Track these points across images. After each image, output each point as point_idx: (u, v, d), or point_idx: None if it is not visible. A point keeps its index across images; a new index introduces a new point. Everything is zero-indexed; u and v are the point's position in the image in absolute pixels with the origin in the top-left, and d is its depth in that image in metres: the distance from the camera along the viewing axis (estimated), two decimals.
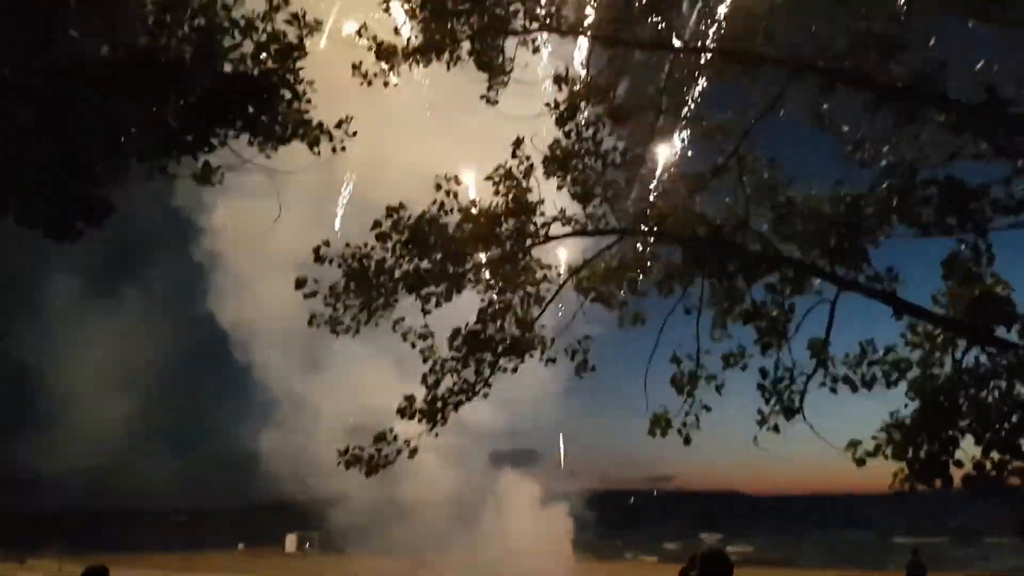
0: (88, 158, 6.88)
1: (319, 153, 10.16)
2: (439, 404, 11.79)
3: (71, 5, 6.80)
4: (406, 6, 11.31)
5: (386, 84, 11.89)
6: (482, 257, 12.38)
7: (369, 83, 11.80)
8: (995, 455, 9.87)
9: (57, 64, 6.72)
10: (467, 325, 12.14)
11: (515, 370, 12.32)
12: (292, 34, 9.36)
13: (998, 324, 10.52)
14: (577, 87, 12.00)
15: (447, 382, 12.00)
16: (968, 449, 10.29)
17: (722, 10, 11.81)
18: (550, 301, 12.65)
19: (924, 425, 10.49)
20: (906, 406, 10.87)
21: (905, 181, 11.02)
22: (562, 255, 13.48)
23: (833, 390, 11.26)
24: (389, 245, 11.90)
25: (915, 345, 10.95)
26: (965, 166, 11.17)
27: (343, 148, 10.12)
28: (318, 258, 11.75)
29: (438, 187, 12.17)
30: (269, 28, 9.29)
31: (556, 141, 12.41)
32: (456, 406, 11.92)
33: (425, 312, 12.12)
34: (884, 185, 11.23)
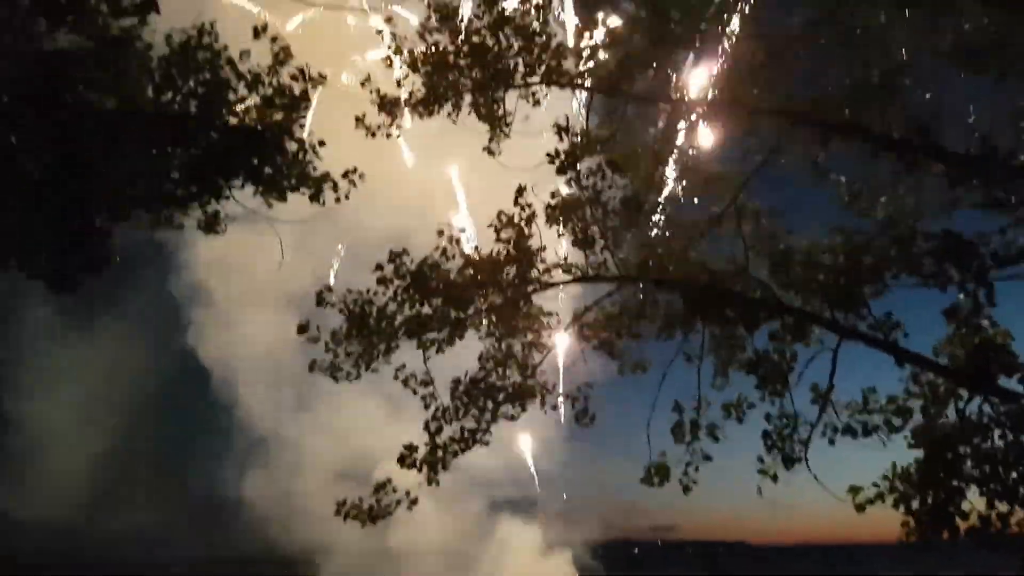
0: (93, 210, 6.99)
1: (323, 203, 10.29)
2: (440, 452, 11.73)
3: (80, 60, 6.95)
4: (408, 60, 11.53)
5: (388, 136, 12.07)
6: (483, 303, 12.42)
7: (372, 135, 11.98)
8: (1000, 507, 9.79)
9: (66, 118, 6.86)
10: (468, 372, 12.14)
11: (515, 417, 12.28)
12: (297, 88, 9.57)
13: (1000, 373, 10.51)
14: (577, 137, 12.16)
15: (448, 430, 11.95)
16: (973, 500, 10.21)
17: (719, 62, 12.04)
18: (551, 348, 12.66)
19: (927, 475, 10.42)
20: (909, 456, 10.82)
21: (904, 231, 11.10)
22: (563, 302, 13.54)
23: (831, 442, 11.21)
24: (391, 290, 11.95)
25: (917, 397, 10.92)
26: (964, 216, 11.32)
27: (347, 197, 10.25)
28: (320, 302, 11.80)
29: (440, 233, 12.27)
30: (275, 82, 9.51)
31: (557, 190, 12.54)
32: (457, 454, 11.86)
33: (426, 358, 12.13)
34: (883, 235, 11.30)
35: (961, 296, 10.76)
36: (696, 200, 13.23)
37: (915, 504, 10.33)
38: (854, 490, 10.55)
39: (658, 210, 13.01)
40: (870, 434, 11.15)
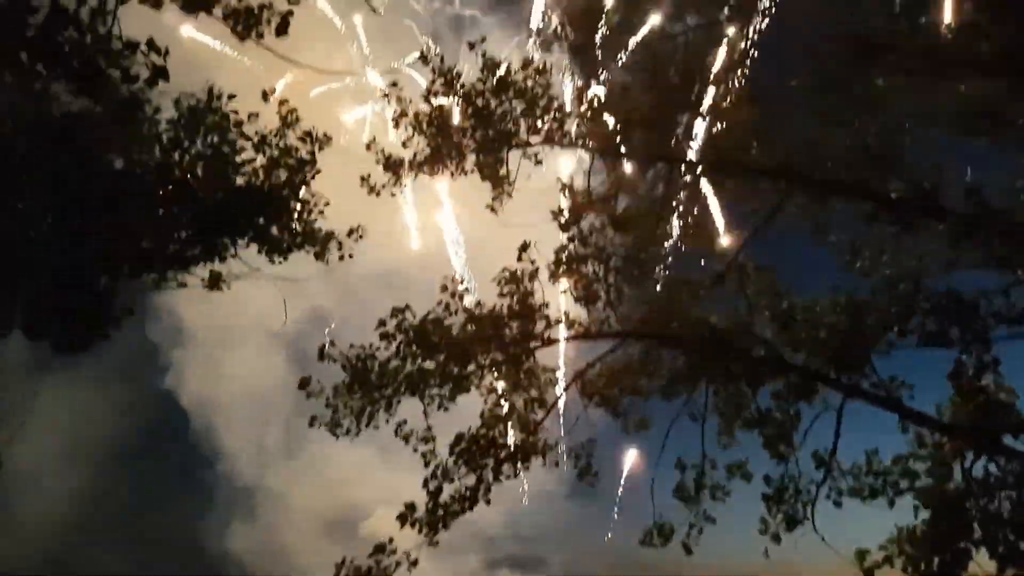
0: (99, 271, 7.10)
1: (327, 262, 10.40)
2: (441, 512, 11.59)
3: (90, 123, 7.12)
4: (414, 122, 11.77)
5: (393, 195, 12.26)
6: (486, 359, 12.41)
7: (377, 194, 12.16)
8: (1009, 571, 9.59)
9: (73, 179, 7.02)
10: (470, 429, 12.07)
11: (517, 475, 12.17)
12: (304, 149, 9.75)
13: (1005, 433, 10.41)
14: (579, 196, 12.33)
15: (449, 488, 11.83)
16: (982, 562, 10.03)
17: (719, 122, 12.25)
18: (553, 405, 12.61)
19: (935, 537, 10.24)
20: (916, 516, 10.66)
21: (906, 291, 11.12)
22: (566, 358, 13.52)
23: (838, 504, 11.06)
24: (393, 345, 11.97)
25: (923, 459, 10.80)
26: (966, 275, 11.34)
27: (351, 256, 10.35)
28: (322, 357, 11.82)
29: (443, 288, 12.34)
30: (282, 143, 9.71)
31: (560, 246, 12.65)
32: (458, 513, 11.71)
33: (427, 415, 12.08)
34: (885, 295, 11.32)
35: (964, 356, 10.72)
36: (698, 257, 13.30)
37: (923, 567, 10.13)
38: (861, 554, 10.35)
39: (660, 267, 13.07)
40: (876, 496, 11.00)
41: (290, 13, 7.63)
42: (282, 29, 7.60)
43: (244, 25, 7.47)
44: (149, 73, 6.90)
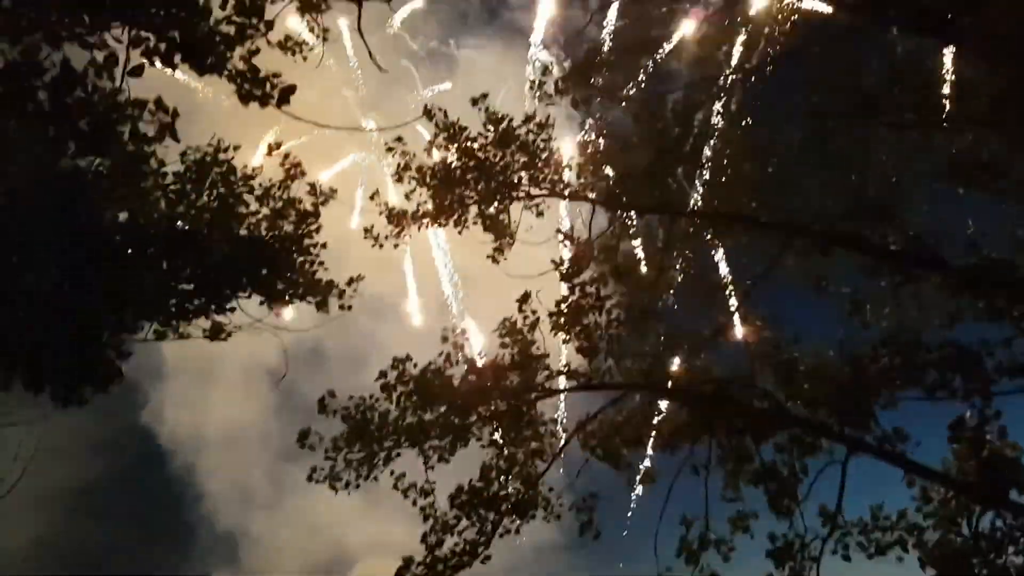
0: (100, 323, 7.10)
1: (327, 311, 10.40)
2: (440, 567, 11.39)
3: (95, 178, 7.18)
4: (418, 175, 11.91)
5: (396, 246, 12.34)
6: (486, 410, 12.32)
7: (380, 246, 12.25)
8: None
9: (77, 232, 7.07)
10: (470, 481, 11.94)
11: (518, 531, 11.99)
12: (308, 202, 9.85)
13: (1011, 488, 10.29)
14: (581, 246, 12.40)
15: (448, 542, 11.64)
16: None
17: (720, 175, 12.38)
18: (555, 457, 12.48)
19: None
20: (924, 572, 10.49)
21: (907, 344, 11.10)
22: (567, 410, 13.44)
23: (846, 557, 10.86)
24: (394, 396, 11.91)
25: (929, 515, 10.66)
26: (968, 327, 11.32)
27: (349, 308, 10.35)
28: (322, 409, 11.77)
29: (444, 339, 12.33)
30: (286, 196, 9.81)
31: (561, 297, 12.66)
32: (457, 569, 11.50)
33: (427, 467, 11.96)
34: (886, 347, 11.30)
35: (968, 410, 10.66)
36: (700, 308, 13.31)
37: None
38: None
39: (661, 318, 13.08)
40: (884, 552, 10.83)
41: (293, 87, 7.72)
42: (284, 99, 7.68)
43: (247, 91, 7.56)
44: (157, 131, 6.98)
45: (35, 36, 6.19)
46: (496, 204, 12.31)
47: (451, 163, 12.13)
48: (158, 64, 6.78)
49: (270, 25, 7.72)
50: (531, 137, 12.19)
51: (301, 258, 9.83)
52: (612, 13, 13.82)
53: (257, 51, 7.80)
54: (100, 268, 7.13)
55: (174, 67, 6.78)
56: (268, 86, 7.82)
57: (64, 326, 6.65)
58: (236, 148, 9.19)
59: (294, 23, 9.90)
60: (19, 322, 6.48)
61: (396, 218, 12.17)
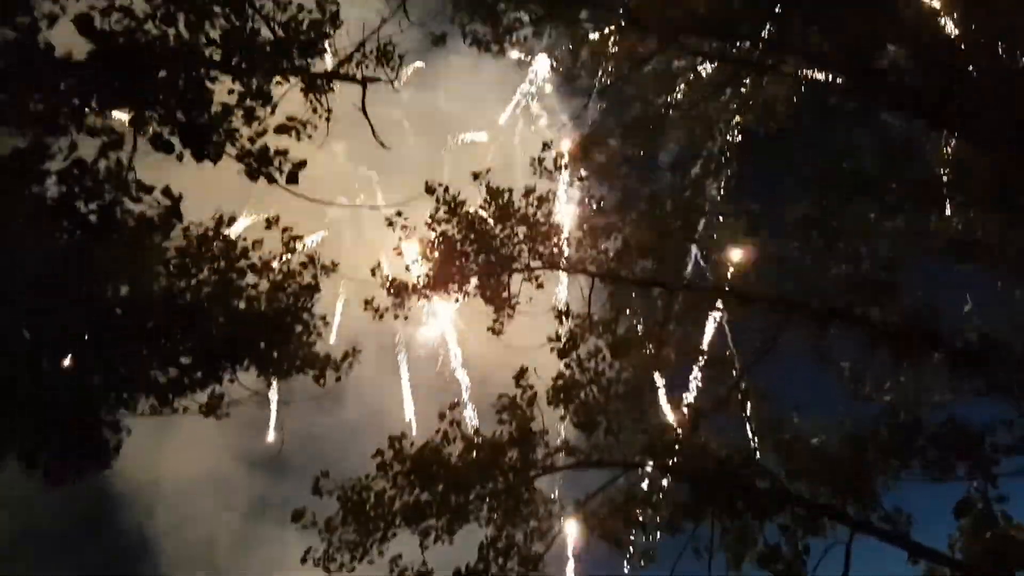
0: (99, 401, 6.96)
1: (324, 384, 10.27)
2: None
3: (94, 252, 7.13)
4: (420, 249, 11.95)
5: (396, 317, 12.28)
6: (484, 488, 12.05)
7: (380, 317, 12.19)
8: None
9: (77, 309, 6.98)
10: (468, 565, 11.57)
11: None
12: (308, 275, 9.81)
13: (1017, 569, 10.09)
14: (578, 321, 12.36)
15: None
16: None
17: (719, 251, 12.47)
18: (555, 538, 12.16)
19: None
20: None
21: (908, 422, 11.02)
22: (567, 487, 13.17)
23: None
24: (390, 475, 11.66)
25: None
26: (969, 406, 11.27)
27: (337, 380, 10.24)
28: (316, 491, 11.51)
29: (441, 416, 12.14)
30: (285, 268, 9.78)
31: (559, 372, 12.55)
32: None
33: (424, 548, 11.61)
34: (887, 425, 11.21)
35: (971, 490, 10.51)
36: (700, 384, 13.21)
37: None
38: None
39: (661, 394, 12.96)
40: None
41: (303, 164, 7.73)
42: (292, 178, 7.69)
43: (255, 169, 7.58)
44: (162, 216, 7.01)
45: (43, 125, 6.23)
46: (496, 277, 12.31)
47: (452, 235, 12.18)
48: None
49: (274, 108, 7.80)
50: (531, 210, 12.29)
51: (299, 329, 9.76)
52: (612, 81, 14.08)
53: (264, 131, 7.87)
54: (100, 345, 7.03)
55: (180, 157, 6.84)
56: (277, 163, 7.85)
57: (64, 404, 6.52)
58: (232, 220, 9.22)
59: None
60: (19, 400, 6.34)
61: (397, 290, 12.14)
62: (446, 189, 12.07)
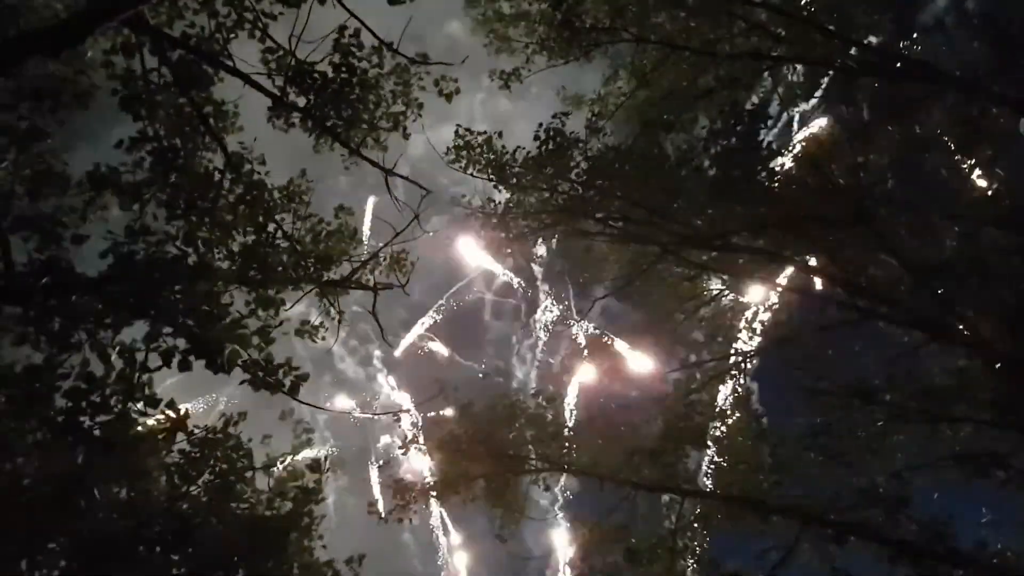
0: None
1: None
2: None
3: (95, 463, 7.25)
4: (428, 449, 12.02)
5: (400, 520, 12.13)
6: None
7: (386, 521, 12.04)
8: None
9: (76, 520, 7.08)
10: None
11: None
12: (310, 478, 9.79)
13: None
14: (589, 531, 12.10)
15: None
16: None
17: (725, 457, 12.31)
18: None
19: None
20: None
21: None
22: None
23: None
24: None
25: None
26: None
27: None
28: None
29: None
30: (289, 469, 9.81)
31: None
32: None
33: None
34: None
35: None
36: None
37: None
38: None
39: None
40: None
41: (306, 376, 7.90)
42: (295, 390, 7.85)
43: (260, 379, 7.77)
44: (168, 430, 7.22)
45: (57, 344, 6.54)
46: (503, 478, 12.24)
47: (459, 436, 12.25)
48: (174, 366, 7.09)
49: (281, 322, 8.09)
50: (539, 411, 12.40)
51: (298, 535, 9.62)
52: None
53: (272, 340, 8.15)
54: (98, 556, 7.05)
55: (190, 368, 7.06)
56: (281, 374, 8.05)
57: None
58: (243, 416, 9.35)
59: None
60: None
61: (402, 491, 12.06)
62: (456, 388, 12.32)
